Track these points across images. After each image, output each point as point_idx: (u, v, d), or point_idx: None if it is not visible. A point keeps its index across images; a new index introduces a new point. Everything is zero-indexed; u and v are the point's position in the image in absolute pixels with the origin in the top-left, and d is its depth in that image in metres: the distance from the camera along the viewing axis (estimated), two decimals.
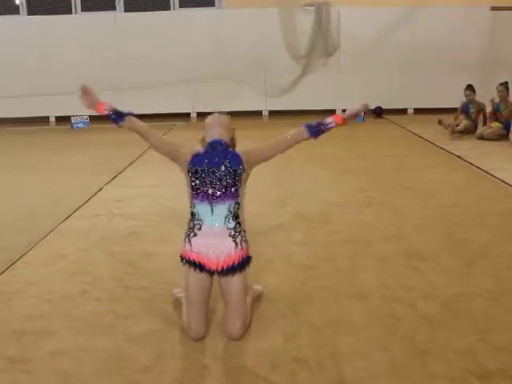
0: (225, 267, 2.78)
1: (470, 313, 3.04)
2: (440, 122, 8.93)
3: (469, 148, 7.91)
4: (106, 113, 2.99)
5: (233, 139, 2.97)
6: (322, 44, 11.77)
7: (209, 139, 2.87)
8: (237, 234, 2.82)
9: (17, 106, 12.05)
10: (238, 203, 2.83)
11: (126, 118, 3.01)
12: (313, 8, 11.81)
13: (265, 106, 12.33)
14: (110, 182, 6.31)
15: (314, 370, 2.53)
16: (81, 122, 11.30)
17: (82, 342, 2.82)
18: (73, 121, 11.27)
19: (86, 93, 3.04)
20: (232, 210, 2.80)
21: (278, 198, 5.51)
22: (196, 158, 2.81)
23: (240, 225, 2.84)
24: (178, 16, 12.33)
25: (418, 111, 12.33)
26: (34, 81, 11.90)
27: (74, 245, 4.27)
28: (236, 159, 2.82)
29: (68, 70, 11.85)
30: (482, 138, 8.65)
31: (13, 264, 3.88)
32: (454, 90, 9.68)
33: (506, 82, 8.82)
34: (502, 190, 5.69)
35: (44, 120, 12.40)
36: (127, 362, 2.64)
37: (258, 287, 3.25)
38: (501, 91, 8.79)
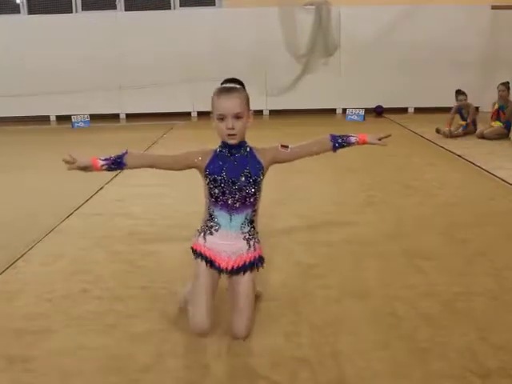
0: (235, 266, 2.78)
1: (470, 312, 3.04)
2: (438, 131, 8.92)
3: (469, 147, 7.91)
4: (104, 168, 2.89)
5: (249, 115, 2.73)
6: (323, 43, 11.81)
7: (224, 136, 2.68)
8: (251, 236, 2.83)
9: (17, 105, 12.07)
10: (254, 210, 2.83)
11: (126, 161, 2.90)
12: (313, 7, 11.84)
13: (265, 105, 12.33)
14: (110, 181, 6.30)
15: (315, 369, 2.53)
16: (81, 121, 11.31)
17: (82, 341, 2.82)
18: (73, 120, 11.28)
19: (73, 162, 2.91)
20: (249, 217, 2.80)
21: (278, 196, 5.51)
22: (213, 165, 2.72)
23: (254, 228, 2.85)
24: (178, 15, 12.34)
25: (418, 110, 12.33)
26: (34, 80, 11.90)
27: (75, 244, 4.27)
28: (255, 166, 2.76)
29: (68, 69, 11.87)
30: (482, 137, 8.66)
31: (13, 263, 3.88)
32: (454, 89, 9.67)
33: (508, 82, 8.82)
34: (502, 189, 5.69)
35: (44, 119, 12.40)
36: (128, 360, 2.64)
37: (257, 289, 3.19)
38: (502, 91, 8.79)
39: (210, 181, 2.71)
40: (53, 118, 12.55)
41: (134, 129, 11.15)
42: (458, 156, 7.29)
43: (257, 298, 3.10)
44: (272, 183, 6.02)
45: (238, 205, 2.73)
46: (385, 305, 3.14)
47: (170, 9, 12.77)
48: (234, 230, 2.77)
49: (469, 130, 8.96)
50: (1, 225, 4.82)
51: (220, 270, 2.81)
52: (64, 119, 11.82)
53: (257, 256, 2.84)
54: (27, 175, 6.81)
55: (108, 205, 5.34)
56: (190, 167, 2.80)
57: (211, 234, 2.78)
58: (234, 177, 2.70)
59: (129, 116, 12.47)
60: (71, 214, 5.06)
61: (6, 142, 9.86)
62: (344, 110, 11.85)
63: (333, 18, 11.87)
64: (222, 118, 2.62)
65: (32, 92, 11.83)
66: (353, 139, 3.07)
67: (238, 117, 2.62)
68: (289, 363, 2.58)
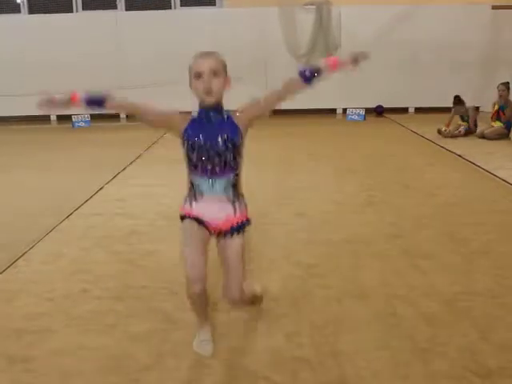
0: (223, 229, 2.70)
1: (471, 311, 3.04)
2: (439, 132, 8.91)
3: (470, 147, 7.91)
4: (83, 102, 2.77)
5: (227, 79, 2.63)
6: (323, 43, 11.80)
7: (201, 94, 2.59)
8: (236, 198, 2.73)
9: (18, 105, 12.04)
10: (236, 174, 2.71)
11: (107, 98, 2.76)
12: (313, 7, 11.83)
13: None
14: (110, 180, 6.31)
15: (316, 369, 2.53)
16: (82, 121, 11.32)
17: (82, 341, 2.82)
18: (74, 119, 11.28)
19: (46, 103, 2.83)
20: (231, 181, 2.69)
21: (279, 196, 5.51)
22: (191, 129, 2.63)
23: (238, 191, 2.76)
24: (179, 15, 12.33)
25: (418, 110, 12.32)
26: (34, 79, 11.88)
27: (75, 243, 4.27)
28: (233, 129, 2.64)
29: (69, 68, 11.85)
30: (482, 137, 8.65)
31: (14, 262, 3.88)
32: (454, 89, 9.68)
33: (508, 82, 8.82)
34: (502, 188, 5.68)
35: (45, 119, 12.40)
36: (128, 360, 2.64)
37: (257, 288, 3.11)
38: (502, 91, 8.78)
39: (189, 146, 2.63)
40: (53, 118, 12.55)
41: (135, 128, 11.09)
42: (459, 156, 7.29)
43: (258, 300, 3.08)
44: (273, 182, 6.06)
45: (217, 170, 2.64)
46: (385, 304, 3.14)
47: (170, 8, 12.77)
48: (218, 195, 2.68)
49: (470, 131, 8.95)
50: (1, 224, 4.82)
51: (209, 229, 2.72)
52: (64, 119, 11.81)
53: (244, 219, 2.75)
54: (28, 175, 6.81)
55: (108, 205, 5.33)
56: (169, 128, 2.74)
57: (196, 200, 2.71)
58: (211, 140, 2.61)
59: (129, 116, 12.45)
60: (71, 213, 5.06)
61: (6, 141, 9.86)
62: (344, 110, 11.84)
63: (333, 17, 11.87)
64: (198, 76, 2.55)
65: (32, 91, 11.82)
66: (322, 65, 2.75)
67: (214, 74, 2.55)
68: (289, 363, 2.58)
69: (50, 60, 11.94)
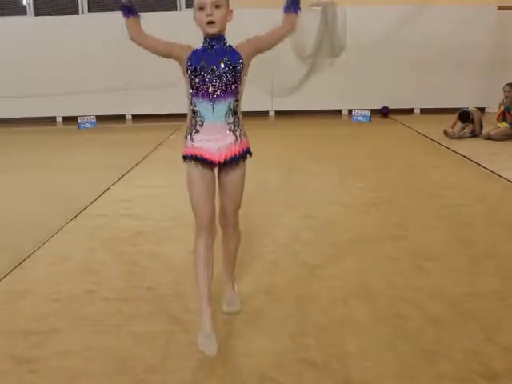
0: (227, 158, 2.79)
1: (477, 313, 3.04)
2: (446, 133, 8.88)
3: (475, 148, 7.89)
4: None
5: (228, 10, 2.80)
6: (329, 44, 11.79)
7: (204, 25, 2.75)
8: (236, 127, 2.82)
9: (24, 106, 12.09)
10: (237, 100, 2.81)
11: (136, 16, 2.98)
12: (319, 8, 11.82)
13: (271, 106, 12.32)
14: (116, 182, 6.32)
15: (321, 371, 2.53)
16: (87, 123, 11.34)
17: (88, 342, 2.83)
18: (79, 121, 11.31)
19: None
20: (232, 106, 2.78)
21: (284, 198, 5.51)
22: (194, 56, 2.76)
23: (239, 119, 2.85)
24: (184, 16, 12.34)
25: (424, 111, 12.30)
26: (40, 81, 11.93)
27: (81, 244, 4.29)
28: (234, 55, 2.78)
29: (74, 70, 11.89)
30: (488, 138, 8.62)
31: (20, 263, 3.90)
32: (460, 90, 9.67)
33: None
34: (508, 189, 5.67)
35: (51, 120, 12.44)
36: (134, 361, 2.64)
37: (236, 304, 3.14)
38: (507, 92, 8.76)
39: (191, 71, 2.74)
40: (59, 119, 12.58)
41: (141, 129, 11.18)
42: (464, 157, 7.27)
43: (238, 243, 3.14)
44: (278, 184, 6.07)
45: (219, 92, 2.74)
46: (390, 306, 3.14)
47: (175, 10, 12.80)
48: (219, 122, 2.76)
49: (475, 134, 8.91)
50: (8, 225, 4.84)
51: (212, 164, 2.80)
52: (70, 120, 11.85)
53: (245, 148, 2.86)
54: (33, 176, 6.83)
55: (114, 206, 5.35)
56: (174, 56, 2.83)
57: (197, 131, 2.79)
58: (213, 64, 2.73)
59: (135, 117, 12.50)
60: (78, 214, 5.07)
61: (12, 142, 9.89)
62: (350, 111, 11.83)
63: (339, 18, 11.86)
64: (201, 8, 2.71)
65: (38, 93, 11.87)
66: None
67: (216, 6, 2.70)
68: (294, 364, 2.58)
69: (56, 61, 11.98)
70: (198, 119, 2.77)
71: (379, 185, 5.92)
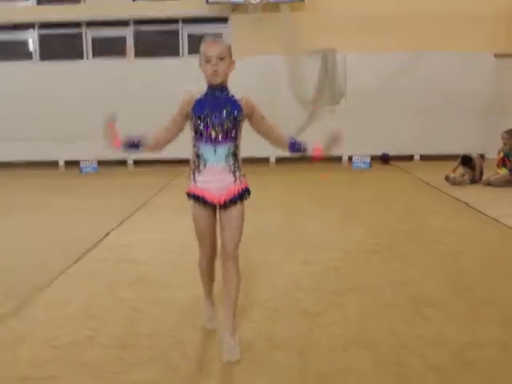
0: (227, 200, 3.09)
1: (479, 362, 3.01)
2: (447, 179, 8.93)
3: (476, 194, 7.93)
4: (122, 147, 3.23)
5: (231, 62, 3.07)
6: (329, 91, 11.96)
7: (209, 75, 3.02)
8: (236, 169, 3.11)
9: (27, 150, 12.22)
10: (236, 144, 3.10)
11: (142, 144, 3.21)
12: (319, 55, 12.04)
13: (272, 152, 12.42)
14: (117, 226, 6.34)
15: None
16: (89, 167, 11.43)
17: None
18: (81, 165, 11.40)
19: (111, 127, 3.28)
20: (231, 150, 3.08)
21: (284, 242, 5.52)
22: (198, 105, 3.05)
23: (238, 161, 3.13)
24: (186, 62, 12.55)
25: (424, 158, 12.39)
26: (44, 125, 12.08)
27: (82, 289, 4.27)
28: (236, 106, 3.07)
29: (78, 114, 12.05)
30: (488, 184, 8.67)
31: (20, 308, 3.88)
32: (459, 136, 9.77)
33: (511, 130, 8.89)
34: (509, 236, 5.68)
35: (53, 164, 12.53)
36: None
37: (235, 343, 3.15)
38: (505, 139, 8.84)
39: (196, 118, 3.04)
40: (61, 163, 12.68)
41: (142, 175, 11.25)
42: (464, 203, 7.30)
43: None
44: (279, 228, 6.08)
45: (220, 138, 3.04)
46: (392, 354, 3.12)
47: (178, 56, 13.03)
48: (220, 163, 3.06)
49: (475, 180, 8.97)
50: (8, 268, 4.83)
51: (213, 205, 3.11)
52: (72, 164, 11.94)
53: (244, 188, 3.14)
54: (35, 219, 6.86)
55: (115, 250, 5.35)
56: (185, 117, 3.11)
57: (200, 172, 3.08)
58: (216, 112, 3.03)
59: (136, 162, 12.59)
60: (78, 259, 5.07)
61: (14, 185, 9.95)
62: (350, 158, 11.93)
63: (339, 65, 12.06)
64: (208, 60, 3.00)
65: (41, 137, 11.99)
66: (309, 148, 3.30)
67: (221, 58, 2.99)
68: None
69: (60, 106, 12.15)
70: (201, 161, 3.07)
71: (379, 230, 5.93)
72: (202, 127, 3.03)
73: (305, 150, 3.28)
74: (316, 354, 3.14)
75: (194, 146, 3.09)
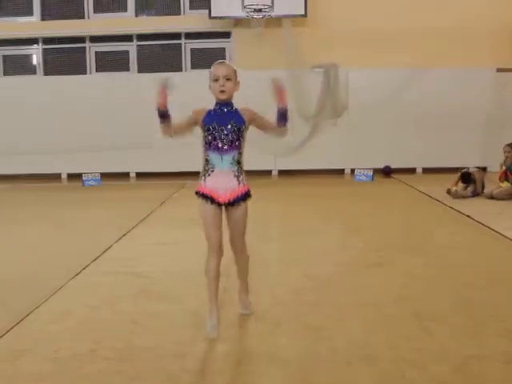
0: (231, 200, 3.57)
1: (482, 375, 2.98)
2: (449, 192, 8.92)
3: (478, 207, 7.91)
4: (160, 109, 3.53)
5: (236, 82, 3.61)
6: (331, 105, 11.98)
7: (217, 93, 3.55)
8: (239, 174, 3.60)
9: (29, 163, 12.25)
10: (240, 153, 3.59)
11: (168, 118, 3.55)
12: (321, 69, 12.07)
13: (274, 165, 12.44)
14: (119, 239, 6.33)
15: None
16: (92, 180, 11.44)
17: None
18: (84, 178, 11.41)
19: (163, 89, 3.54)
20: (236, 158, 3.57)
21: (286, 257, 5.50)
22: (207, 117, 3.56)
23: (241, 168, 3.62)
24: (188, 76, 12.59)
25: (426, 171, 12.39)
26: (47, 138, 12.11)
27: (83, 302, 4.26)
28: (240, 119, 3.56)
29: (80, 127, 12.09)
30: (491, 197, 8.65)
31: (21, 321, 3.87)
32: (462, 149, 9.77)
33: None
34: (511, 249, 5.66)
35: (56, 177, 12.56)
36: None
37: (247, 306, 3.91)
38: (507, 152, 8.83)
39: (205, 129, 3.55)
40: (64, 176, 12.70)
41: (145, 187, 11.26)
42: (467, 216, 7.27)
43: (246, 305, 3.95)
44: (281, 243, 6.06)
45: (226, 147, 3.53)
46: (395, 368, 3.09)
47: (181, 71, 13.09)
48: (226, 168, 3.55)
49: (477, 194, 8.95)
50: (9, 282, 4.82)
51: (219, 204, 3.57)
52: (75, 177, 11.96)
53: (246, 190, 3.63)
54: (37, 232, 6.85)
55: (116, 263, 5.34)
56: (195, 122, 3.61)
57: (209, 175, 3.58)
58: (222, 125, 3.54)
59: (139, 175, 12.61)
60: (80, 271, 5.06)
61: (16, 198, 9.97)
62: (352, 171, 11.93)
63: (341, 80, 12.09)
64: (216, 80, 3.54)
65: (44, 150, 12.02)
66: (282, 110, 3.62)
67: (227, 79, 3.53)
68: None
69: (63, 120, 12.19)
70: (210, 166, 3.58)
71: (381, 244, 5.91)
72: (210, 138, 3.53)
73: (282, 112, 3.61)
74: (318, 367, 3.12)
75: (205, 153, 3.58)
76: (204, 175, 3.60)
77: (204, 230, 3.61)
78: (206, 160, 3.58)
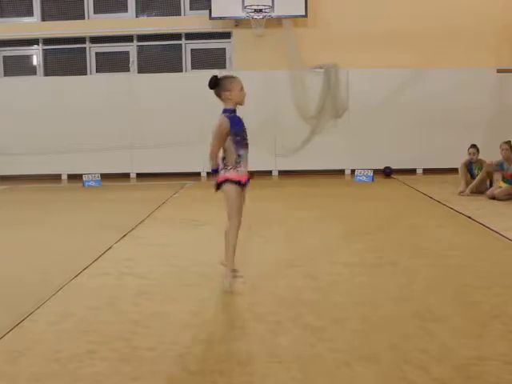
0: (246, 181, 4.49)
1: (483, 376, 2.97)
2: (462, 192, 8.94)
3: (479, 208, 7.89)
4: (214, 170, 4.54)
5: None
6: (332, 105, 11.99)
7: (241, 100, 4.45)
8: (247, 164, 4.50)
9: (29, 164, 12.24)
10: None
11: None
12: (322, 70, 12.07)
13: (274, 165, 12.43)
14: (119, 240, 6.32)
15: None
16: (92, 181, 11.44)
17: None
18: (84, 179, 11.41)
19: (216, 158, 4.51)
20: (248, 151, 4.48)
21: (287, 258, 5.49)
22: (233, 123, 4.35)
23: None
24: (190, 77, 12.59)
25: (427, 171, 12.38)
26: (47, 139, 12.12)
27: (83, 303, 4.25)
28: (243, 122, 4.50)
29: (81, 128, 12.10)
30: (493, 197, 8.63)
31: (21, 322, 3.86)
32: (462, 150, 9.75)
33: (510, 141, 8.86)
34: None
35: (56, 178, 12.55)
36: None
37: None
38: (504, 149, 8.81)
39: (235, 134, 4.35)
40: (64, 177, 12.70)
41: (145, 188, 11.25)
42: (468, 217, 7.27)
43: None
44: (281, 244, 6.06)
45: (247, 144, 4.45)
46: (395, 369, 3.08)
47: (181, 71, 13.09)
48: (246, 160, 4.45)
49: (481, 189, 8.96)
50: (9, 282, 4.82)
51: (242, 185, 4.44)
52: (75, 178, 11.96)
53: (250, 176, 4.58)
54: (37, 233, 6.85)
55: (117, 264, 5.33)
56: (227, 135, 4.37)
57: (240, 166, 4.41)
58: (243, 126, 4.46)
59: (139, 175, 12.61)
60: (80, 272, 5.05)
61: (16, 199, 9.96)
62: (353, 171, 11.93)
63: (341, 80, 12.09)
64: (242, 88, 4.41)
65: (44, 151, 12.03)
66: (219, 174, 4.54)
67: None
68: None
69: (63, 120, 12.20)
70: (240, 159, 4.41)
71: (382, 244, 5.90)
72: (239, 139, 4.37)
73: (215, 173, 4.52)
74: (318, 368, 3.11)
75: (236, 150, 4.37)
76: (235, 167, 4.40)
77: (234, 205, 4.40)
78: (238, 155, 4.39)
